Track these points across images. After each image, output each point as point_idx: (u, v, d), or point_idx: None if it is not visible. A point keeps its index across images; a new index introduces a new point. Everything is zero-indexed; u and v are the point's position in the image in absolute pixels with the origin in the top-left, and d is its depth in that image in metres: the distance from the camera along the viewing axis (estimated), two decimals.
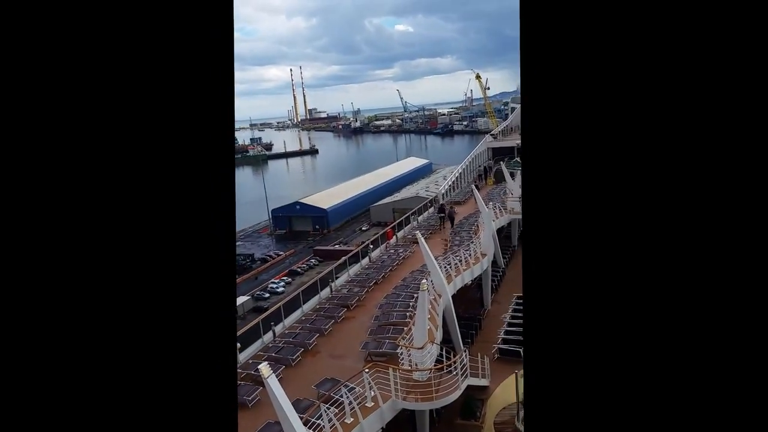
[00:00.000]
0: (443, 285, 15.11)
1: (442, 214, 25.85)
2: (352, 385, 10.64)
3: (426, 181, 63.40)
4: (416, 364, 11.73)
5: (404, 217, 27.94)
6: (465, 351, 13.58)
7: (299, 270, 38.49)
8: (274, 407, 8.14)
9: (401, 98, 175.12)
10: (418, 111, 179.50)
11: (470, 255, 18.18)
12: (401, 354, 12.08)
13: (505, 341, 16.87)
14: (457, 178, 35.71)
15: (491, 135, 45.98)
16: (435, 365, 12.03)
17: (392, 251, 22.14)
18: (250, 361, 12.99)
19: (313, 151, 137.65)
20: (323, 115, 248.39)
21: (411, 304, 14.64)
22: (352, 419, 9.92)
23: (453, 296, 15.82)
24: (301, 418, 8.89)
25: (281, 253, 44.75)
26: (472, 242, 19.42)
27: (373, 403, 10.49)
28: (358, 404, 10.10)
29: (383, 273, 18.89)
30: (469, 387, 12.98)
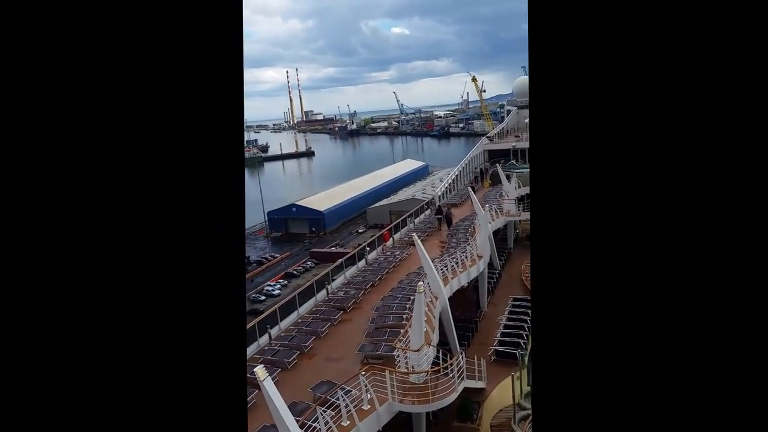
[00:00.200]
0: (440, 287, 15.10)
1: (440, 216, 25.89)
2: (348, 388, 10.61)
3: (422, 183, 63.48)
4: (413, 367, 11.71)
5: (401, 219, 27.92)
6: (461, 353, 13.58)
7: (295, 272, 38.41)
8: (270, 410, 8.11)
9: (398, 100, 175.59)
10: (414, 113, 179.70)
11: (467, 257, 18.18)
12: (398, 356, 12.05)
13: (501, 343, 16.87)
14: (453, 180, 35.75)
15: (487, 137, 46.04)
16: (431, 367, 12.01)
17: (389, 253, 22.12)
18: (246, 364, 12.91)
19: (309, 153, 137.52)
20: (319, 117, 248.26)
21: (407, 306, 14.62)
22: (348, 422, 9.88)
23: (449, 298, 15.81)
24: (297, 421, 8.85)
25: (277, 255, 44.66)
26: (469, 244, 19.43)
27: (369, 406, 10.46)
28: (354, 407, 10.07)
29: (380, 275, 18.86)
30: (465, 389, 12.97)
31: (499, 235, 26.07)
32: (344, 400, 9.95)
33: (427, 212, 29.69)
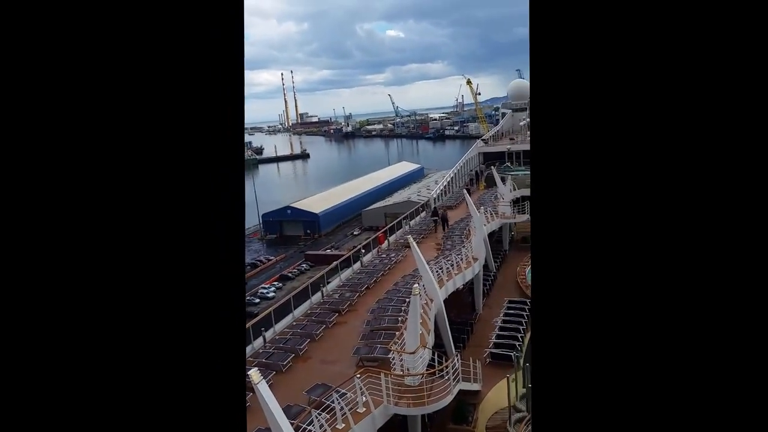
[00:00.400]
0: (435, 289, 15.09)
1: (436, 217, 25.94)
2: (343, 391, 10.57)
3: (418, 185, 63.60)
4: (408, 369, 11.69)
5: (396, 221, 27.93)
6: (457, 355, 13.56)
7: (290, 275, 38.32)
8: (265, 413, 8.05)
9: (393, 103, 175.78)
10: (409, 116, 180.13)
11: (462, 259, 18.19)
12: (393, 359, 12.02)
13: (496, 345, 16.88)
14: (448, 182, 35.82)
15: (482, 140, 46.22)
16: (427, 370, 11.98)
17: (384, 256, 22.10)
18: None
19: (304, 156, 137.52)
20: (314, 120, 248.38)
21: (403, 308, 14.60)
22: (343, 425, 9.84)
23: (445, 300, 15.80)
24: (292, 424, 8.81)
25: (272, 258, 44.55)
26: (464, 246, 19.45)
27: (364, 409, 10.42)
28: (349, 410, 10.03)
29: (375, 278, 18.84)
30: (460, 391, 12.95)
31: (495, 237, 26.12)
32: (339, 402, 9.90)
33: (423, 214, 29.71)
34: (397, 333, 13.24)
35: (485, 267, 21.32)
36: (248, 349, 14.24)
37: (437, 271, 16.40)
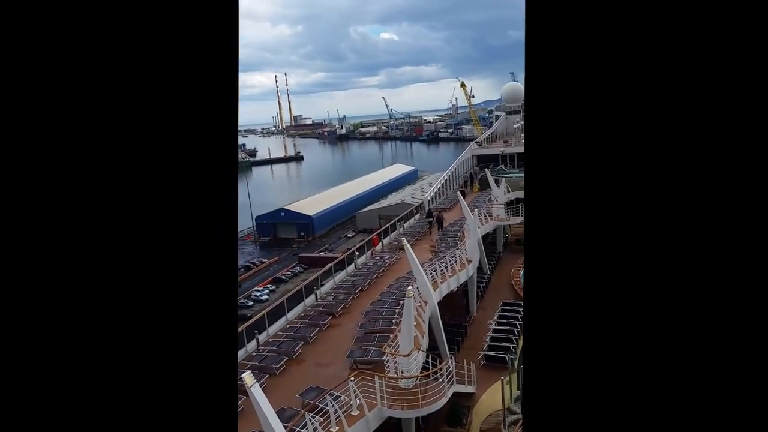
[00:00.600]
0: (429, 292, 15.09)
1: (431, 219, 25.98)
2: (337, 394, 10.53)
3: (412, 187, 63.68)
4: (402, 372, 11.67)
5: (390, 223, 27.95)
6: (451, 358, 13.57)
7: (284, 277, 38.20)
8: (258, 417, 8.01)
9: (387, 105, 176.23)
10: (403, 118, 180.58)
11: (456, 261, 18.21)
12: (387, 361, 12.00)
13: (491, 348, 16.89)
14: (442, 184, 35.91)
15: (476, 142, 46.43)
16: (421, 372, 11.97)
17: (378, 258, 22.09)
18: None
19: (298, 158, 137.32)
20: (308, 122, 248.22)
21: (397, 311, 14.58)
22: (337, 428, 9.80)
23: (439, 303, 15.80)
24: (286, 428, 8.76)
25: (265, 260, 44.40)
26: (458, 249, 19.47)
27: (358, 412, 10.39)
28: (343, 413, 9.99)
29: (369, 280, 18.81)
30: (455, 394, 12.94)
31: (489, 240, 26.20)
32: (333, 406, 9.86)
33: (417, 216, 29.75)
34: (391, 335, 13.22)
35: (479, 269, 21.36)
36: (241, 352, 14.16)
37: (431, 274, 16.40)
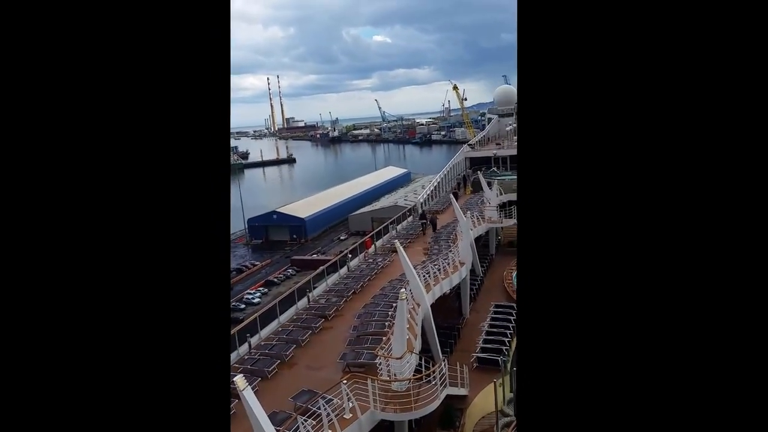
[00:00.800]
0: (422, 294, 15.09)
1: (424, 221, 26.04)
2: (329, 397, 10.48)
3: (405, 190, 63.79)
4: (395, 375, 11.64)
5: (383, 226, 27.94)
6: (444, 360, 13.55)
7: (276, 280, 38.04)
8: (250, 420, 7.95)
9: (379, 108, 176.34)
10: (396, 121, 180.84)
11: (449, 264, 18.23)
12: (380, 364, 11.97)
13: (483, 350, 16.92)
14: (435, 187, 35.98)
15: (469, 145, 46.53)
16: (414, 375, 11.95)
17: (371, 260, 22.07)
18: None
19: (290, 160, 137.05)
20: (301, 124, 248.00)
21: (389, 313, 14.56)
22: (329, 431, 9.75)
23: (432, 305, 15.80)
24: (278, 431, 8.71)
25: (257, 263, 44.21)
26: (451, 251, 19.49)
27: (351, 415, 10.35)
28: (336, 416, 9.94)
29: (362, 282, 18.77)
30: (448, 396, 12.94)
31: (481, 242, 26.26)
32: (325, 409, 9.81)
33: (410, 219, 29.78)
34: (383, 338, 13.19)
35: (472, 271, 21.40)
36: (233, 355, 14.07)
37: (424, 276, 16.40)
